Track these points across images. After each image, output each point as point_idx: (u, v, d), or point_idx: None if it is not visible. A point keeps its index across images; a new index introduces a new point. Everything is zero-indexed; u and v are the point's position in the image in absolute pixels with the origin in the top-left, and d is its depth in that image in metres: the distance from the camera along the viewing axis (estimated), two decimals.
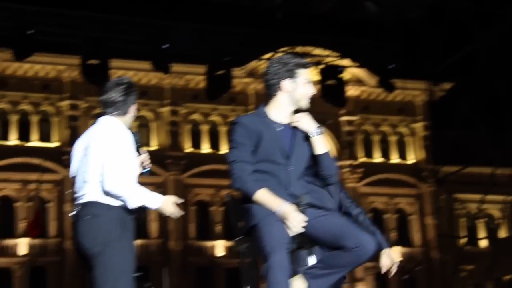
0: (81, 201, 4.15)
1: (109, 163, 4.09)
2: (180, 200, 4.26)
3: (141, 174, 4.37)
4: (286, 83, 3.90)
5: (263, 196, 3.75)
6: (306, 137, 3.92)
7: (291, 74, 3.90)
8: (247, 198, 3.84)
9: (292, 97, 3.92)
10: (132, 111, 4.37)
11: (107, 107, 4.32)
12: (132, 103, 4.34)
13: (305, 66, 3.94)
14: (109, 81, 4.39)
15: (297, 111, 3.95)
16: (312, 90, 3.95)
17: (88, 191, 4.14)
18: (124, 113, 4.32)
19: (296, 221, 3.70)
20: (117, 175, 4.09)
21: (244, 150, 3.84)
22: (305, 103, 3.93)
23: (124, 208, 4.15)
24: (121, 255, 4.05)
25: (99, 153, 4.14)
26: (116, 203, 4.14)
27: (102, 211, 4.08)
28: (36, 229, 19.77)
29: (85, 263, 4.13)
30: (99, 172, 4.12)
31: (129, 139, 4.23)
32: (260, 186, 3.76)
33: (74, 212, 4.18)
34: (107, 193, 4.10)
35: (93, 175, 4.14)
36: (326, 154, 3.92)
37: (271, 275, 3.53)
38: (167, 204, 4.35)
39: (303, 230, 3.73)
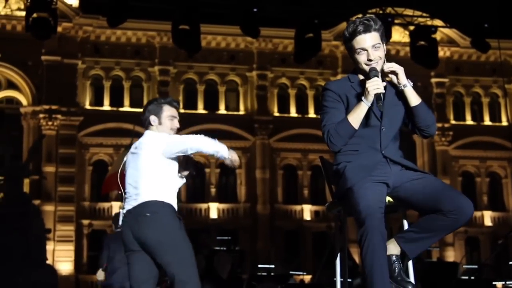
0: (136, 201, 4.70)
1: (174, 141, 4.75)
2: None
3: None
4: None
5: (351, 115, 3.76)
6: (398, 97, 3.85)
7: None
8: (340, 161, 3.82)
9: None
10: (166, 122, 4.93)
11: (146, 125, 4.93)
12: (163, 116, 4.91)
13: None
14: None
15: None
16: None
17: (143, 192, 4.69)
18: (160, 123, 4.90)
19: (372, 83, 3.69)
20: (188, 139, 4.75)
21: (335, 114, 3.81)
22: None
23: (172, 205, 4.74)
24: (185, 241, 4.65)
25: (149, 158, 4.73)
26: (168, 200, 4.72)
27: (159, 208, 4.64)
28: (107, 188, 20.27)
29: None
30: (151, 174, 4.71)
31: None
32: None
33: (125, 210, 4.76)
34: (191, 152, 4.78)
35: (146, 178, 4.71)
36: (421, 104, 3.83)
37: (367, 239, 3.49)
38: (231, 152, 4.91)
39: (382, 87, 3.70)
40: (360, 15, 3.92)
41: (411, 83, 3.82)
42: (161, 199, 4.67)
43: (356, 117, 3.73)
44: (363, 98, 3.72)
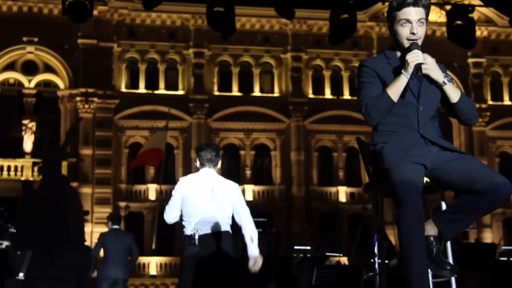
0: (214, 230, 6.07)
1: (245, 208, 6.31)
2: None
3: None
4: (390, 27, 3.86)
5: (390, 88, 3.71)
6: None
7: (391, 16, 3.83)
8: (377, 142, 3.81)
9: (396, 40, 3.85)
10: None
11: (209, 163, 6.45)
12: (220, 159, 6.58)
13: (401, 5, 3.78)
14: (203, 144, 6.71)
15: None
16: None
17: (220, 224, 6.11)
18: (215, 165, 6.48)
19: (412, 54, 3.66)
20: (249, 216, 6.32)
21: (372, 89, 3.77)
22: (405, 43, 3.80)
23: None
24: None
25: (228, 197, 6.26)
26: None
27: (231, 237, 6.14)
28: (138, 162, 20.53)
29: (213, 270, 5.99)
30: (227, 211, 6.15)
31: None
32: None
33: (204, 233, 6.03)
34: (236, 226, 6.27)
35: (222, 214, 6.13)
36: (461, 100, 3.78)
37: (405, 221, 3.47)
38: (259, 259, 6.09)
39: (422, 58, 3.66)
40: None
41: (449, 79, 3.77)
42: None
43: (395, 90, 3.69)
44: (402, 70, 3.70)
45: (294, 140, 34.16)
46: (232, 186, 6.38)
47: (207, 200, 6.10)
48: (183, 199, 6.10)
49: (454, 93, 3.77)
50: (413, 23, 3.75)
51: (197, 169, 6.45)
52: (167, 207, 6.19)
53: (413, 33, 3.74)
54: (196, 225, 6.02)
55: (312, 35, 34.66)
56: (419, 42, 3.76)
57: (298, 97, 34.35)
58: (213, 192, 6.13)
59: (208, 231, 6.04)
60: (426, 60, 3.70)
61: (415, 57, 3.66)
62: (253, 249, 6.00)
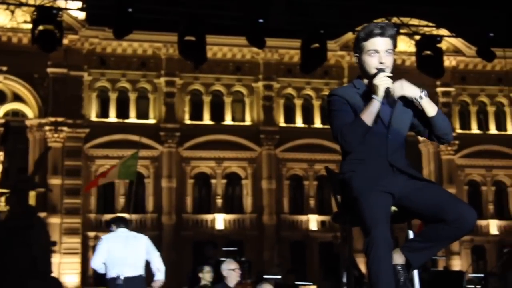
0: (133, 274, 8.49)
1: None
2: None
3: None
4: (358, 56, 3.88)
5: (363, 113, 3.71)
6: (406, 104, 3.84)
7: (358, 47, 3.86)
8: (346, 170, 3.81)
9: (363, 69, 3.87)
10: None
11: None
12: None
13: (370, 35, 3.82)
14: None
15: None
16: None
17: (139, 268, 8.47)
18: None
19: (380, 78, 3.68)
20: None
21: (345, 116, 3.78)
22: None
23: None
24: None
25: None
26: None
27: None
28: (93, 184, 20.52)
29: None
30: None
31: None
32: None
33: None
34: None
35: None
36: (438, 114, 3.81)
37: (373, 249, 3.48)
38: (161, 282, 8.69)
39: (390, 82, 3.68)
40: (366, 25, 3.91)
41: (426, 93, 3.79)
42: None
43: (368, 114, 3.70)
44: (373, 95, 3.71)
45: (266, 168, 34.16)
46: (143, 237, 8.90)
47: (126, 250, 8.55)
48: (109, 250, 8.47)
49: (431, 107, 3.80)
50: (381, 53, 3.78)
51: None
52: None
53: (382, 63, 3.77)
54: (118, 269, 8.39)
55: (284, 64, 34.86)
56: (388, 71, 3.79)
57: (269, 126, 34.42)
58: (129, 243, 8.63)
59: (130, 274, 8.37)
60: (395, 83, 3.73)
61: (383, 80, 3.69)
62: (159, 275, 8.61)
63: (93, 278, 30.30)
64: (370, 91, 3.76)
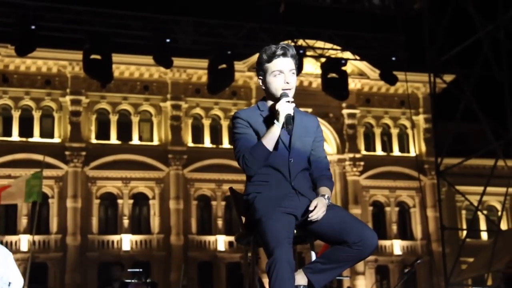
0: None
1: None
2: None
3: None
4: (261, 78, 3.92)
5: (265, 138, 3.74)
6: (305, 128, 3.89)
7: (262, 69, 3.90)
8: (250, 192, 3.82)
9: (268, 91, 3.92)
10: None
11: None
12: None
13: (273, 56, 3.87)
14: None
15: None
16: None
17: None
18: None
19: (282, 104, 3.71)
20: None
21: (247, 139, 3.81)
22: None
23: None
24: None
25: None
26: None
27: None
28: None
29: None
30: None
31: None
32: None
33: None
34: None
35: None
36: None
37: (275, 270, 3.48)
38: None
39: (292, 109, 3.72)
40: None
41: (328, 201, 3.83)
42: None
43: (269, 140, 3.73)
44: (275, 120, 3.74)
45: (173, 188, 33.93)
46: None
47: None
48: None
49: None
50: (286, 73, 3.83)
51: None
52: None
53: (287, 83, 3.82)
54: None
55: (192, 84, 34.84)
56: (292, 92, 3.84)
57: (177, 146, 34.27)
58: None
59: None
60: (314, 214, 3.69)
61: (284, 105, 3.73)
62: None
63: None
64: (273, 114, 3.80)
